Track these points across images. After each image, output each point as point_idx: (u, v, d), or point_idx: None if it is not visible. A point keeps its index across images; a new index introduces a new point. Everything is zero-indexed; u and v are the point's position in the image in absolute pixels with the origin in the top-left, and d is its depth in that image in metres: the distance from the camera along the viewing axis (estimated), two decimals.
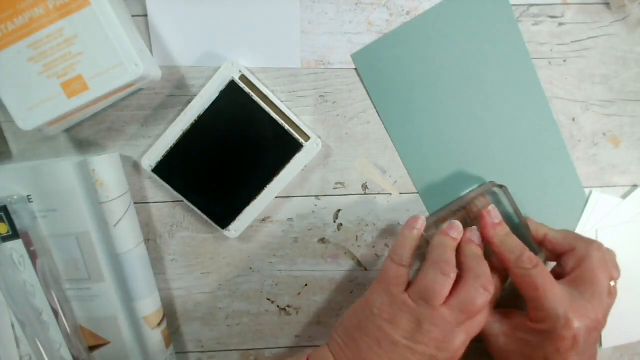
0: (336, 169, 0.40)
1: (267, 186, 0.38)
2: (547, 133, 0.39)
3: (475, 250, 0.34)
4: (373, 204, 0.40)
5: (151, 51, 0.37)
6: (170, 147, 0.37)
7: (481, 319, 0.34)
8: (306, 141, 0.37)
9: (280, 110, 0.37)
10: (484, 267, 0.33)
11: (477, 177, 0.40)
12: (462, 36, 0.37)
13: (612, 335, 0.43)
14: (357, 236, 0.41)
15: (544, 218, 0.39)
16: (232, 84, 0.36)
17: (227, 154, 0.37)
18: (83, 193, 0.37)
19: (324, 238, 0.41)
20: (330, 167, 0.40)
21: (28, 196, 0.38)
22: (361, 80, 0.38)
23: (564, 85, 0.39)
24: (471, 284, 0.32)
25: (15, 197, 0.37)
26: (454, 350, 0.32)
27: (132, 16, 0.36)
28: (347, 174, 0.40)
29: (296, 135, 0.37)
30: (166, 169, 0.37)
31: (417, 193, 0.40)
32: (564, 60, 0.38)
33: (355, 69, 0.38)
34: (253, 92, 0.36)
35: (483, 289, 0.32)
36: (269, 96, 0.36)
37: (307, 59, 0.38)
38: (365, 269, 0.42)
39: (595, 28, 0.38)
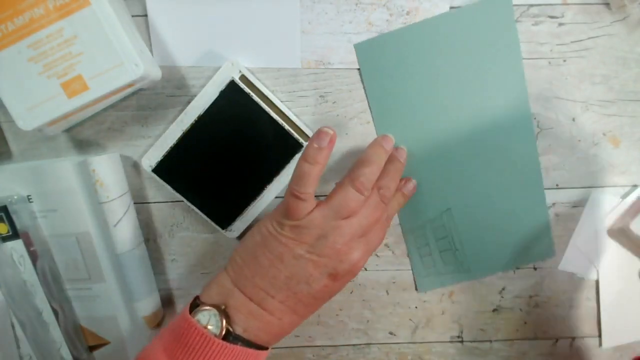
0: (336, 169, 0.40)
1: (267, 186, 0.38)
2: (527, 169, 0.39)
3: (398, 166, 0.37)
4: None
5: (151, 51, 0.37)
6: (170, 147, 0.37)
7: (379, 232, 0.35)
8: (306, 141, 0.37)
9: (280, 110, 0.37)
10: (393, 181, 0.35)
11: (454, 186, 0.40)
12: (465, 49, 0.37)
13: (612, 335, 0.43)
14: None
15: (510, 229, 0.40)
16: (232, 84, 0.36)
17: (227, 154, 0.37)
18: (83, 193, 0.37)
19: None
20: (330, 167, 0.40)
21: (28, 196, 0.38)
22: (359, 70, 0.38)
23: (564, 85, 0.39)
24: (374, 196, 0.34)
25: (15, 197, 0.37)
26: (354, 261, 0.32)
27: (132, 16, 0.36)
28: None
29: (296, 135, 0.37)
30: (166, 169, 0.37)
31: None
32: (564, 60, 0.38)
33: (358, 68, 0.38)
34: (253, 92, 0.36)
35: (382, 199, 0.34)
36: (269, 96, 0.37)
37: (307, 59, 0.38)
38: (365, 269, 0.42)
39: (595, 28, 0.38)
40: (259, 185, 0.38)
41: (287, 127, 0.37)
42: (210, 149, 0.37)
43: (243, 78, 0.36)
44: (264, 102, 0.36)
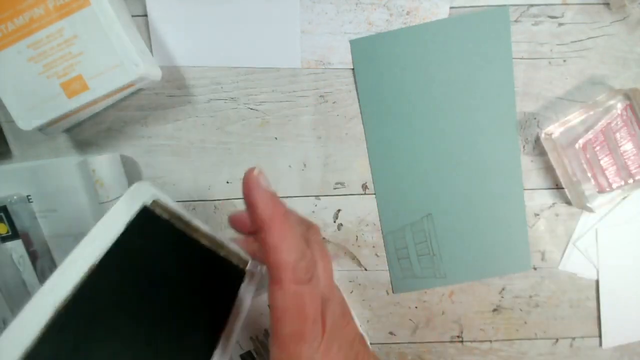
0: (336, 169, 0.40)
1: (221, 334, 0.25)
2: (510, 182, 0.40)
3: None
4: (373, 204, 0.40)
5: (151, 51, 0.37)
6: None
7: None
8: (245, 267, 0.28)
9: (210, 236, 0.27)
10: None
11: (437, 192, 0.40)
12: (459, 57, 0.37)
13: (612, 335, 0.43)
14: (357, 236, 0.41)
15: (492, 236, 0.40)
16: (143, 212, 0.25)
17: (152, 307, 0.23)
18: (83, 193, 0.37)
19: (324, 238, 0.41)
20: (330, 167, 0.40)
21: (28, 196, 0.38)
22: (353, 68, 0.38)
23: (564, 85, 0.38)
24: None
25: (15, 197, 0.37)
26: None
27: (132, 16, 0.36)
28: (347, 174, 0.40)
29: (235, 262, 0.28)
30: None
31: (374, 194, 0.40)
32: (564, 60, 0.38)
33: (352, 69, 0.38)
34: (172, 219, 0.26)
35: None
36: (191, 221, 0.27)
37: (307, 59, 0.38)
38: (365, 269, 0.42)
39: (595, 28, 0.38)
40: (211, 336, 0.25)
41: (222, 254, 0.27)
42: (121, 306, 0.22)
43: (155, 203, 0.26)
44: (188, 229, 0.26)
